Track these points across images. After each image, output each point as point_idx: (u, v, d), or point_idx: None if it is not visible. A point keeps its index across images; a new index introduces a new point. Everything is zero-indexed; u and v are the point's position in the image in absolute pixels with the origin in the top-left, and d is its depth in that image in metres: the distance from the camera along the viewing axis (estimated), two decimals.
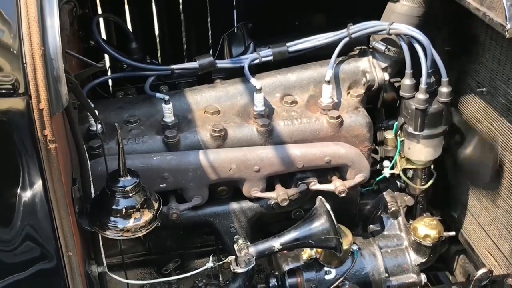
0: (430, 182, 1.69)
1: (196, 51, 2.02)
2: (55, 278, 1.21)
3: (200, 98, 1.60)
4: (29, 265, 1.20)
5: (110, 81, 1.94)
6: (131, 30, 1.91)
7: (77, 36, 1.69)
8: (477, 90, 1.60)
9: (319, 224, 1.45)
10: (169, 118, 1.52)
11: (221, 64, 1.65)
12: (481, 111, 1.59)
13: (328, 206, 1.45)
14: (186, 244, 1.72)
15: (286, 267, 1.61)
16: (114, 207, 1.22)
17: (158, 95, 1.57)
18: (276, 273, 1.64)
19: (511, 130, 1.49)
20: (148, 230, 1.25)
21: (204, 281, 1.62)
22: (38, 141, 1.06)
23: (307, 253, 1.62)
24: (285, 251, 1.64)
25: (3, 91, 1.01)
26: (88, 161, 1.24)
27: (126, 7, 2.02)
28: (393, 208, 1.71)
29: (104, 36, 2.00)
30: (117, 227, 1.22)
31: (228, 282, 1.59)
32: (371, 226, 1.76)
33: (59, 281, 1.21)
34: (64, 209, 1.16)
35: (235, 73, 1.66)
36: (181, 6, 2.05)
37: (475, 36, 1.54)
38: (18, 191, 1.12)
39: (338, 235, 1.43)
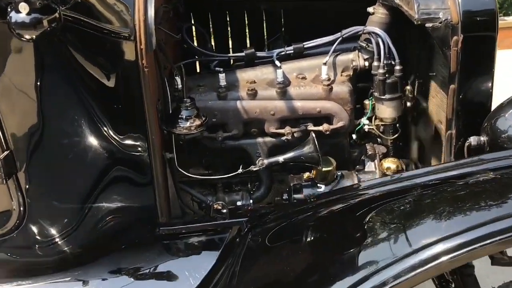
0: (396, 135, 2.49)
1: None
2: (146, 152, 2.13)
3: (244, 74, 2.49)
4: (129, 146, 2.14)
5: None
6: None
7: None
8: (429, 74, 2.40)
9: (307, 147, 2.28)
10: (222, 82, 2.44)
11: (259, 54, 2.57)
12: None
13: (313, 136, 2.29)
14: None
15: (291, 184, 2.46)
16: (180, 115, 2.16)
17: (218, 69, 2.51)
18: (287, 189, 2.47)
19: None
20: (198, 130, 2.18)
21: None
22: (139, 68, 2.03)
23: (306, 174, 2.46)
24: (292, 175, 2.50)
25: (125, 37, 1.98)
26: (168, 87, 2.20)
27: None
28: (370, 153, 2.51)
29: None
30: (181, 126, 2.16)
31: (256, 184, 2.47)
32: (357, 166, 2.57)
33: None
34: (152, 114, 2.11)
35: (269, 62, 2.57)
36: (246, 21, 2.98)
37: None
38: (127, 99, 2.09)
39: (318, 152, 2.26)
